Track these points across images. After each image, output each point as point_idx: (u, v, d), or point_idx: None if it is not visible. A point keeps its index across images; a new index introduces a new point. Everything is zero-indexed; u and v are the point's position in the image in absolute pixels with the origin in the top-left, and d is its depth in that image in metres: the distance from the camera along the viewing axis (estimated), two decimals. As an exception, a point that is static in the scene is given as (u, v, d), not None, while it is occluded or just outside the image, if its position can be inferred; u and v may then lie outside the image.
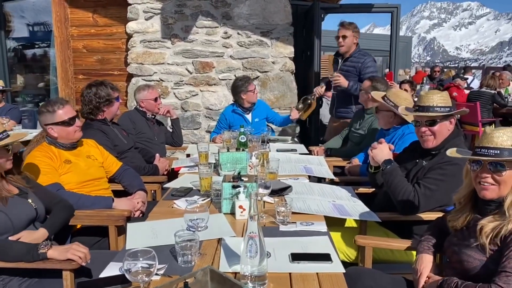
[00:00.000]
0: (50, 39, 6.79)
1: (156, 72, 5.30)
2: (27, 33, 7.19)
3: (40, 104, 7.14)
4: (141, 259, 1.29)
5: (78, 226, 2.47)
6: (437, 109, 2.23)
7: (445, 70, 12.79)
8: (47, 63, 7.06)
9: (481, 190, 1.58)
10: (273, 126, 4.74)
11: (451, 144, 2.23)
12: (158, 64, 5.28)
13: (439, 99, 2.24)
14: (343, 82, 4.24)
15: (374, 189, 2.76)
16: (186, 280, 1.15)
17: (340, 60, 4.52)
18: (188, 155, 3.89)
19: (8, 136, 2.01)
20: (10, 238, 1.98)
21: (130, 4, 5.20)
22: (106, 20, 5.56)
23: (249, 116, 4.36)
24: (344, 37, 4.35)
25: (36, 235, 2.02)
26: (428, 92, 2.34)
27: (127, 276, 1.32)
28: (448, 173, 2.18)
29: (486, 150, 1.54)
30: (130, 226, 2.01)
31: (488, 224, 1.51)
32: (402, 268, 2.20)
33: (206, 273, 1.23)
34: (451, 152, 1.75)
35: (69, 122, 2.54)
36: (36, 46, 7.33)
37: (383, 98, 3.03)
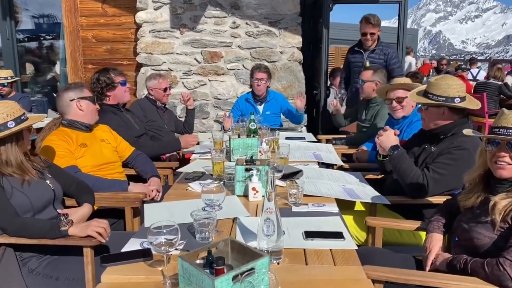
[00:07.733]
0: (55, 31, 6.84)
1: (165, 62, 5.34)
2: (32, 26, 7.21)
3: (53, 93, 7.25)
4: (164, 230, 1.35)
5: (95, 208, 2.54)
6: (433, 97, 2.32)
7: (451, 62, 12.76)
8: (54, 54, 7.11)
9: (498, 170, 1.62)
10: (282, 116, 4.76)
11: (460, 129, 2.27)
12: (167, 54, 5.32)
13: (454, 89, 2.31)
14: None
15: (382, 175, 2.81)
16: (210, 249, 1.21)
17: (363, 52, 4.61)
18: (198, 143, 3.95)
19: (28, 118, 2.09)
20: (59, 211, 2.09)
21: (140, -6, 5.24)
22: (115, 10, 5.59)
23: (260, 108, 4.36)
24: (372, 34, 4.46)
25: (82, 211, 2.14)
26: (442, 78, 2.39)
27: (151, 247, 1.38)
28: (457, 158, 2.22)
29: (505, 130, 1.58)
30: (147, 207, 2.07)
31: (500, 201, 1.56)
32: (411, 251, 2.25)
33: (227, 243, 1.29)
34: (467, 132, 1.81)
35: (93, 99, 2.73)
36: (42, 38, 7.36)
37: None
